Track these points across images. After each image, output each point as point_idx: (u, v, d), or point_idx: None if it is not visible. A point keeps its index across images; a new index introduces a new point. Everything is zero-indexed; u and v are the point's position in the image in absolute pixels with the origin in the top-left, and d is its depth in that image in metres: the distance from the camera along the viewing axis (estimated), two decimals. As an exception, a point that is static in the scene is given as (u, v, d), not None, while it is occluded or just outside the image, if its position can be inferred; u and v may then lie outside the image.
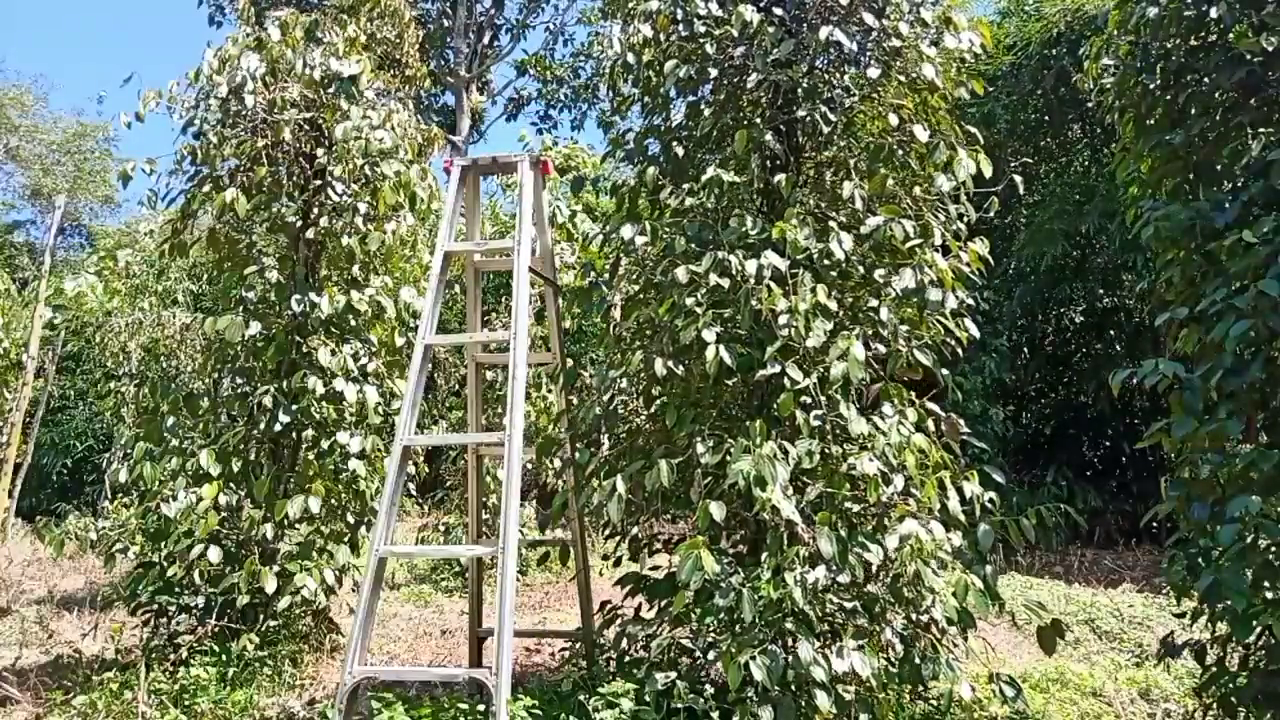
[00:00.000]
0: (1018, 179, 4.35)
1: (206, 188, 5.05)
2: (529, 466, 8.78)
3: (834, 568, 3.26)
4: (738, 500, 3.43)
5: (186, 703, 4.07)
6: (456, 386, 10.59)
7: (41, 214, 24.09)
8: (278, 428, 4.88)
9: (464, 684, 4.22)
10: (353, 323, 5.25)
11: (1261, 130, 3.60)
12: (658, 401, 3.90)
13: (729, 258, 3.50)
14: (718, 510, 3.20)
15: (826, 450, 3.46)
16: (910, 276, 3.62)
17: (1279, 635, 3.14)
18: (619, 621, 4.06)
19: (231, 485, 4.78)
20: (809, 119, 3.88)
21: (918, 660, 3.42)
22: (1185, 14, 3.76)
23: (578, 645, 4.51)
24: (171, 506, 4.59)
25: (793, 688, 3.19)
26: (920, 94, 4.04)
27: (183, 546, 4.59)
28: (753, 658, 3.09)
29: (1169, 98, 3.85)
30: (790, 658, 3.15)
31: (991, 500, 3.61)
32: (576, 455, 4.01)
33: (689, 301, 3.53)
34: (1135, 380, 3.29)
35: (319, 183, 5.24)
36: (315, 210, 5.23)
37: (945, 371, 3.81)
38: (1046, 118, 10.03)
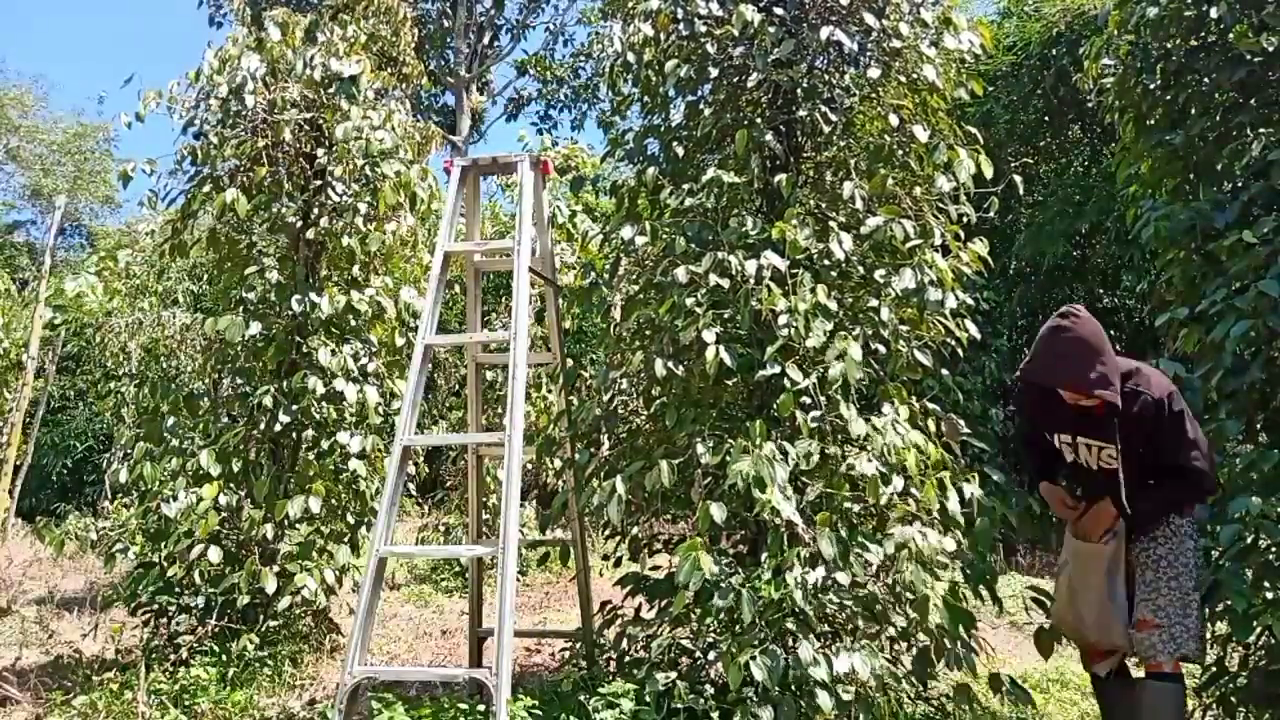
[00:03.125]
0: (1018, 179, 4.34)
1: (206, 188, 5.04)
2: (529, 466, 8.78)
3: (834, 568, 3.26)
4: (738, 501, 3.42)
5: (186, 703, 4.06)
6: (456, 386, 10.59)
7: (41, 214, 24.11)
8: (278, 428, 4.88)
9: (464, 684, 4.22)
10: (353, 323, 5.25)
11: (1261, 130, 3.60)
12: (658, 402, 3.89)
13: (729, 258, 3.50)
14: (718, 511, 3.20)
15: (826, 451, 3.45)
16: (910, 277, 3.61)
17: (1279, 635, 3.14)
18: (619, 622, 4.06)
19: (231, 485, 4.78)
20: (809, 119, 3.88)
21: (914, 664, 3.42)
22: (1185, 14, 3.77)
23: (578, 645, 4.51)
24: (171, 506, 4.59)
25: (793, 688, 3.19)
26: (920, 94, 4.04)
27: (183, 546, 4.59)
28: (753, 658, 3.09)
29: (1169, 98, 3.85)
30: (791, 658, 3.15)
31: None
32: (576, 455, 4.01)
33: (689, 302, 3.52)
34: (1135, 380, 3.28)
35: (319, 183, 5.24)
36: (315, 210, 5.22)
37: (945, 371, 3.81)
38: (1046, 118, 10.03)
